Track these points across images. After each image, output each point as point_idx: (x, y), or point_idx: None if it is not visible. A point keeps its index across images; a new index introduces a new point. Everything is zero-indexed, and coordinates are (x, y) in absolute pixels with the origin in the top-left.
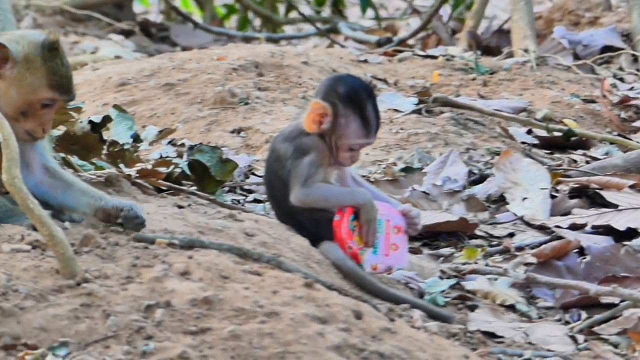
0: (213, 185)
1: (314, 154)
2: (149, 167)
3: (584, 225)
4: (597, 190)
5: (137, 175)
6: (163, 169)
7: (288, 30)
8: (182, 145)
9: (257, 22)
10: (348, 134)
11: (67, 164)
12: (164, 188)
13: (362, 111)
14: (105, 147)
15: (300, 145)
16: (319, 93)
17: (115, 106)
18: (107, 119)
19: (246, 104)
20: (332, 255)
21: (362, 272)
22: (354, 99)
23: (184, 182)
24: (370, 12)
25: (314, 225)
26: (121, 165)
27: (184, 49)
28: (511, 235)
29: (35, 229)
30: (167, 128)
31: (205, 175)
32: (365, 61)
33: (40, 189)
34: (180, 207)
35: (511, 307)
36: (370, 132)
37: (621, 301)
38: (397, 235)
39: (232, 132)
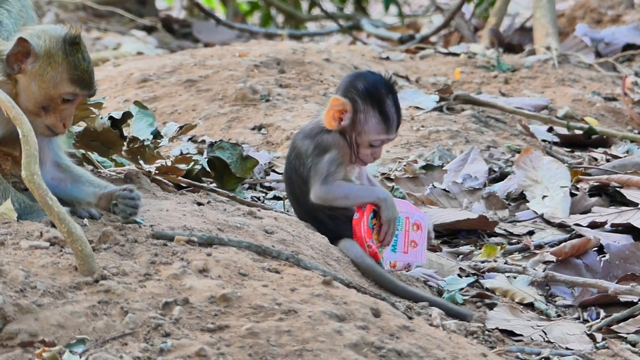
0: (233, 182)
1: (335, 152)
2: (169, 164)
3: (604, 223)
4: (618, 189)
5: (157, 172)
6: (183, 166)
7: (310, 27)
8: (203, 142)
9: (279, 18)
10: (368, 130)
11: (87, 160)
12: (184, 185)
13: (381, 107)
14: (125, 143)
15: (321, 142)
16: (339, 90)
17: (136, 102)
18: (127, 115)
19: (267, 100)
20: (351, 252)
21: (380, 270)
22: (373, 94)
23: (203, 179)
24: (393, 9)
25: (333, 222)
26: (141, 162)
27: (206, 45)
28: (531, 233)
29: (53, 226)
30: (187, 124)
31: (225, 172)
32: (387, 58)
33: (51, 184)
34: (199, 204)
35: (530, 306)
36: (391, 128)
37: None
38: (416, 233)
39: (253, 129)
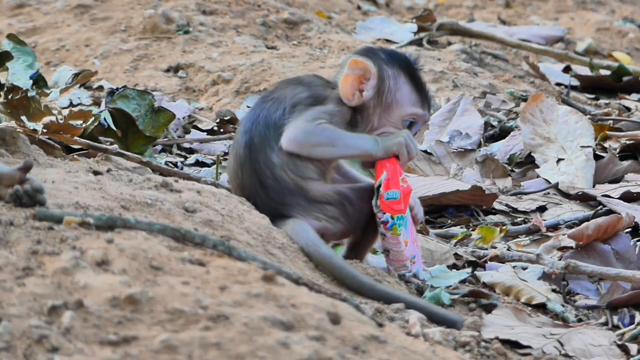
0: (141, 143)
1: (332, 106)
2: (61, 120)
3: None
4: None
5: (45, 131)
6: (79, 123)
7: None
8: (100, 88)
9: None
10: (400, 100)
11: None
12: (76, 148)
13: (413, 74)
14: (2, 94)
15: (319, 93)
16: (355, 54)
17: (10, 36)
18: (5, 57)
19: (186, 32)
20: (301, 238)
21: (340, 261)
22: (401, 59)
23: (101, 138)
24: None
25: (279, 191)
26: (23, 119)
27: None
28: (542, 209)
29: None
30: (86, 70)
31: (130, 130)
32: None
33: None
34: (96, 173)
35: (541, 307)
36: (426, 102)
37: None
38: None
39: (167, 70)
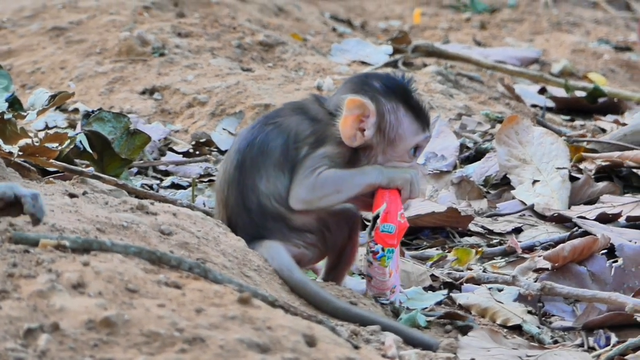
0: (117, 166)
1: (332, 148)
2: (37, 142)
3: (617, 216)
4: (634, 170)
5: (21, 153)
6: (54, 145)
7: None
8: (75, 111)
9: None
10: (403, 134)
11: None
12: (52, 170)
13: (409, 100)
14: None
15: (321, 131)
16: (347, 91)
17: None
18: None
19: (161, 55)
20: (275, 261)
21: (315, 286)
22: (396, 87)
23: (76, 161)
24: None
25: (268, 217)
26: None
27: None
28: (517, 231)
29: None
30: (62, 92)
31: (105, 152)
32: None
33: None
34: (72, 195)
35: (517, 329)
36: (425, 123)
37: None
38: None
39: (143, 93)
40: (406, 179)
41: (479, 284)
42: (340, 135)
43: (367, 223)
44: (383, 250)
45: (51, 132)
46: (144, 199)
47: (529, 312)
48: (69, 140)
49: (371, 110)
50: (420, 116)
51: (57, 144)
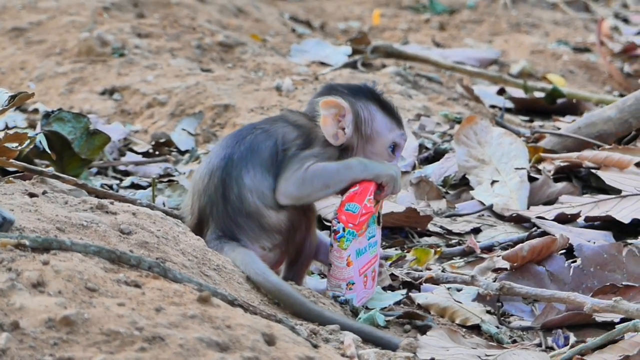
0: (76, 166)
1: (319, 149)
2: None
3: (575, 216)
4: (593, 170)
5: None
6: (14, 145)
7: None
8: (35, 111)
9: None
10: (379, 129)
11: None
12: (11, 170)
13: (378, 98)
14: None
15: (308, 133)
16: (319, 96)
17: None
18: None
19: (121, 55)
20: (250, 268)
21: (290, 289)
22: (361, 89)
23: (36, 161)
24: None
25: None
26: None
27: None
28: (476, 231)
29: None
30: (22, 92)
31: (65, 153)
32: None
33: None
34: (32, 195)
35: (475, 328)
36: (400, 121)
37: (622, 319)
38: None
39: (103, 93)
40: (392, 175)
41: (438, 284)
42: (325, 136)
43: (327, 223)
44: (344, 230)
45: (11, 132)
46: (103, 199)
47: (488, 312)
48: (28, 140)
49: (346, 108)
50: (392, 113)
51: (16, 144)
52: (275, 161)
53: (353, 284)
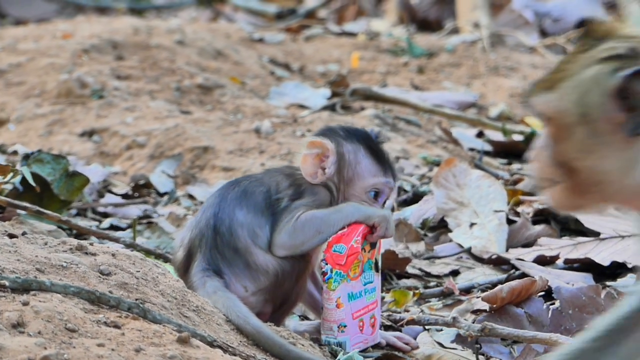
0: (56, 207)
1: (311, 198)
2: None
3: (554, 258)
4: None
5: None
6: None
7: None
8: (15, 153)
9: None
10: (361, 173)
11: None
12: None
13: (370, 144)
14: None
15: (299, 182)
16: (312, 135)
17: None
18: None
19: (100, 97)
20: (232, 312)
21: (270, 331)
22: (356, 133)
23: (16, 202)
24: None
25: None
26: None
27: (18, 22)
28: (455, 273)
29: None
30: None
31: (45, 194)
32: (261, 40)
33: None
34: (12, 236)
35: None
36: (387, 169)
37: None
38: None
39: (82, 135)
40: (384, 216)
41: (419, 325)
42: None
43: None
44: (331, 271)
45: None
46: (85, 238)
47: (467, 353)
48: (12, 173)
49: (330, 150)
50: (381, 160)
51: (1, 177)
52: (269, 206)
53: (345, 326)
